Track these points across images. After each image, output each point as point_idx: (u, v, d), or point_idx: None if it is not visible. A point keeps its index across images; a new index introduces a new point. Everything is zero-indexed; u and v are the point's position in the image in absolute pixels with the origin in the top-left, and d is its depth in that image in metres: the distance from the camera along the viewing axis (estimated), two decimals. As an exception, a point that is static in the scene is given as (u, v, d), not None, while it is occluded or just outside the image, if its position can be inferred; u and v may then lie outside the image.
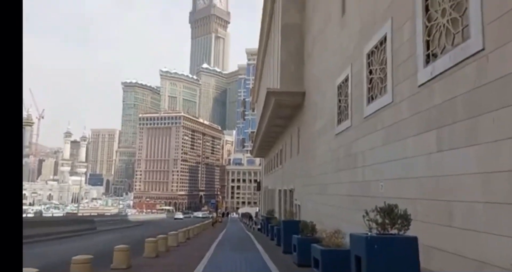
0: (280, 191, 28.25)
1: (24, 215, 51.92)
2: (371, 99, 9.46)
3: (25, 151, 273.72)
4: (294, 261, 7.52)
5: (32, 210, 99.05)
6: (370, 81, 9.59)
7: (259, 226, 24.88)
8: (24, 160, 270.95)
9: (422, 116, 6.70)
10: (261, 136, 33.07)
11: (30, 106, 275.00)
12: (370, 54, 9.63)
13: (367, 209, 9.80)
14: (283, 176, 27.27)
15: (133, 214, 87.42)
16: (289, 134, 24.19)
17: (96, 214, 59.39)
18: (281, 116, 22.76)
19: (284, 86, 20.09)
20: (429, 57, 6.61)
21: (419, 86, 6.84)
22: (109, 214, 71.18)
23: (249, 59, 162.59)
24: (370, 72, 9.64)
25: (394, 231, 4.51)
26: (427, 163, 6.39)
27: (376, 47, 9.22)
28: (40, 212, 63.80)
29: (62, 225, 21.42)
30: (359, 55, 10.40)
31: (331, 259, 4.87)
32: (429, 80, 6.49)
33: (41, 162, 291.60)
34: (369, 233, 4.09)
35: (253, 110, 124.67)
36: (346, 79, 11.70)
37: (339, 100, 12.50)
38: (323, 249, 4.90)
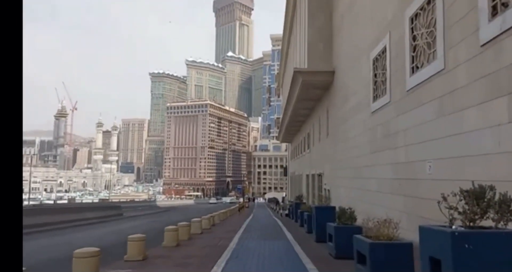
0: (307, 175, 27.31)
1: (57, 202, 53.79)
2: (415, 69, 8.28)
3: (60, 141, 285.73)
4: (331, 252, 6.61)
5: (68, 196, 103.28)
6: (414, 48, 8.39)
7: (286, 212, 24.11)
8: (60, 150, 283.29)
9: (487, 82, 5.55)
10: (288, 120, 32.02)
11: (64, 98, 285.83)
12: (414, 17, 8.40)
13: (409, 193, 8.79)
14: (311, 160, 26.26)
15: (162, 200, 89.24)
16: (317, 117, 23.05)
17: (126, 200, 60.89)
18: (308, 98, 21.61)
19: (312, 65, 18.87)
20: (496, 8, 5.41)
21: (482, 45, 5.67)
22: (139, 200, 72.85)
23: (273, 45, 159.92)
24: (414, 38, 8.43)
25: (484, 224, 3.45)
26: (494, 136, 5.28)
27: (422, 8, 7.99)
28: (73, 199, 66.12)
29: (89, 211, 21.58)
30: (400, 21, 9.16)
31: (385, 255, 3.94)
32: (496, 37, 5.32)
33: (75, 151, 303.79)
34: (454, 227, 3.06)
35: (278, 96, 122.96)
36: (383, 51, 10.50)
37: (375, 75, 11.31)
38: (373, 242, 3.97)
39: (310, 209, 11.06)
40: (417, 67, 8.17)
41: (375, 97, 11.22)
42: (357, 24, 13.64)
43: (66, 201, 53.44)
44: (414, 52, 8.38)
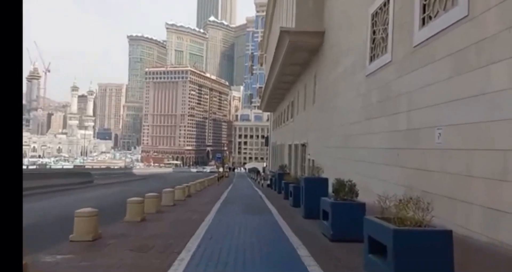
0: (290, 145, 26.44)
1: (28, 167, 51.52)
2: (427, 19, 7.02)
3: (33, 104, 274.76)
4: (325, 233, 5.60)
5: (41, 162, 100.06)
6: (426, -5, 7.08)
7: (268, 182, 23.34)
8: (33, 113, 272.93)
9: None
10: (271, 87, 30.64)
11: (36, 59, 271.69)
12: (429, -43, 7.03)
13: (410, 164, 7.83)
14: (295, 129, 25.27)
15: (139, 168, 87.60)
16: (303, 83, 21.78)
17: (100, 167, 58.98)
18: (294, 62, 20.20)
19: (300, 25, 17.33)
20: None
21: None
22: (116, 167, 71.09)
23: (257, 11, 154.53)
24: (427, -17, 7.10)
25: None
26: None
27: None
28: (44, 164, 63.58)
29: (56, 177, 20.07)
30: (409, -35, 7.77)
31: (417, 246, 2.87)
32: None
33: (49, 115, 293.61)
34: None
35: (261, 65, 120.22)
36: (385, 3, 9.15)
37: (373, 32, 10.01)
38: (399, 229, 2.89)
39: (296, 180, 10.08)
40: (430, 18, 6.91)
41: (373, 58, 9.99)
42: (355, -25, 12.12)
43: (35, 167, 51.16)
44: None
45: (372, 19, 10.05)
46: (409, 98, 7.56)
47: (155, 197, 8.57)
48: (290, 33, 16.96)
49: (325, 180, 7.67)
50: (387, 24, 8.97)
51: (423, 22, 7.14)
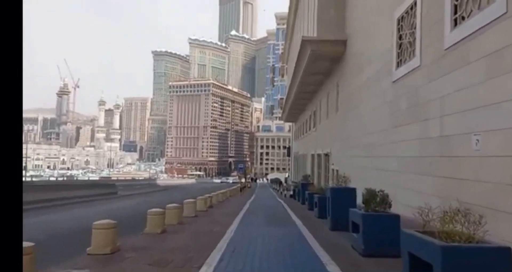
0: (313, 155, 25.95)
1: (57, 179, 53.03)
2: (459, 20, 6.67)
3: (63, 118, 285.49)
4: (355, 246, 5.23)
5: (69, 174, 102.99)
6: (458, -5, 6.74)
7: (291, 192, 22.87)
8: (62, 127, 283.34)
9: None
10: (293, 97, 30.40)
11: (66, 76, 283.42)
12: (459, -44, 6.72)
13: (443, 173, 7.37)
14: (317, 139, 24.83)
15: (163, 179, 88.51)
16: (325, 92, 21.43)
17: (125, 178, 59.97)
18: (316, 72, 19.92)
19: (322, 34, 17.12)
20: None
21: None
22: (141, 178, 72.21)
23: (278, 24, 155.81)
24: (457, -17, 6.77)
25: None
26: None
27: None
28: (72, 176, 65.34)
29: (82, 189, 20.40)
30: (437, -35, 7.47)
31: (472, 266, 2.52)
32: None
33: (78, 129, 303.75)
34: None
35: (282, 76, 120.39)
36: (412, 7, 8.83)
37: (400, 37, 9.67)
38: (450, 246, 2.56)
39: (321, 191, 9.71)
40: (462, 18, 6.55)
41: (399, 63, 9.62)
42: (378, -20, 11.87)
43: (65, 178, 52.63)
44: (457, -1, 6.74)
45: (398, 24, 9.73)
46: (441, 104, 7.16)
47: (176, 208, 8.40)
48: (311, 42, 16.78)
49: (353, 190, 7.29)
50: (415, 28, 8.63)
51: (455, 23, 6.79)
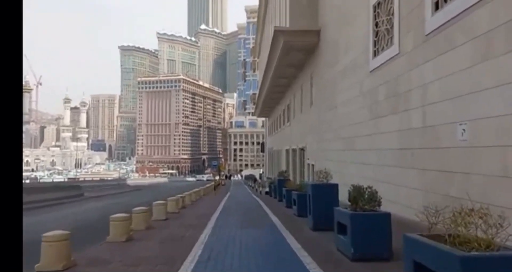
0: (288, 150, 25.62)
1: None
2: (441, 3, 6.29)
3: (25, 117, 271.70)
4: (343, 250, 4.72)
5: (33, 175, 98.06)
6: (439, -23, 6.36)
7: (266, 189, 22.41)
8: (25, 127, 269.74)
9: None
10: (265, 91, 29.92)
11: (27, 73, 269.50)
12: None
13: (427, 165, 7.05)
14: (292, 133, 24.49)
15: (134, 179, 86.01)
16: (299, 85, 21.05)
17: (92, 179, 57.59)
18: (289, 64, 19.47)
19: (295, 24, 16.64)
20: None
21: None
22: (110, 178, 69.71)
23: (248, 18, 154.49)
24: (438, -36, 6.39)
25: None
26: None
27: None
28: (36, 178, 62.03)
29: (44, 192, 19.01)
30: None
31: None
32: None
33: (42, 128, 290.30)
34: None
35: (254, 71, 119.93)
36: (389, -8, 8.45)
37: (376, 25, 9.30)
38: (468, 256, 2.06)
39: (300, 187, 9.22)
40: (445, 1, 6.18)
41: (376, 52, 9.25)
42: (352, -34, 11.45)
43: (27, 181, 49.77)
44: (440, -19, 6.36)
45: (374, 11, 9.35)
46: (423, 92, 6.80)
47: (144, 211, 7.62)
48: (284, 32, 16.26)
49: (335, 186, 6.83)
50: (392, 14, 8.26)
51: (436, 6, 6.42)
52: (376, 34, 9.28)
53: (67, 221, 10.91)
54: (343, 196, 8.58)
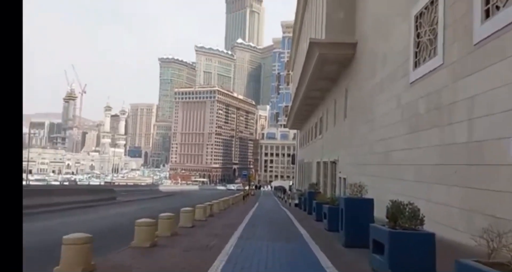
0: (319, 163, 25.09)
1: (61, 183, 52.48)
2: (492, 10, 5.90)
3: (69, 123, 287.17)
4: (378, 269, 4.39)
5: (73, 178, 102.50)
6: (490, -16, 5.98)
7: (296, 201, 21.94)
8: (68, 132, 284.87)
9: None
10: (298, 103, 29.69)
11: (73, 81, 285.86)
12: None
13: (472, 183, 6.53)
14: (324, 146, 23.99)
15: (167, 185, 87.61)
16: (333, 98, 20.68)
17: (126, 183, 59.18)
18: (324, 77, 19.20)
19: (331, 36, 16.43)
20: None
21: None
22: (143, 184, 71.48)
23: (284, 32, 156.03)
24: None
25: None
26: None
27: None
28: (75, 181, 64.81)
29: (83, 194, 19.65)
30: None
31: None
32: None
33: (84, 134, 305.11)
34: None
35: (287, 84, 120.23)
36: (433, 1, 8.10)
37: (417, 35, 8.92)
38: None
39: (332, 201, 8.86)
40: (497, 8, 5.78)
41: (417, 63, 8.85)
42: (393, -23, 11.17)
43: (67, 183, 52.09)
44: (490, -12, 5.97)
45: (416, 21, 8.98)
46: (470, 105, 6.35)
47: (170, 218, 7.56)
48: (320, 44, 16.08)
49: (370, 201, 6.46)
50: (436, 24, 7.88)
51: (487, 15, 6.02)
52: (418, 45, 8.89)
53: (95, 224, 11.08)
54: (377, 212, 8.15)
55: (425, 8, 8.51)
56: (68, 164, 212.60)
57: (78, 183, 57.03)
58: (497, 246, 2.52)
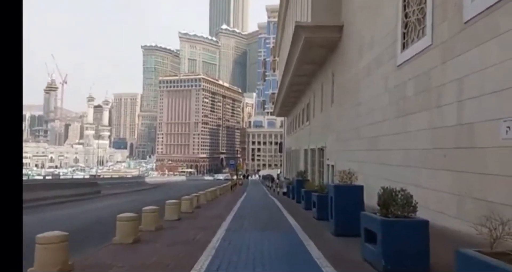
0: (306, 150, 25.00)
1: (44, 177, 51.30)
2: (483, -14, 5.63)
3: (51, 115, 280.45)
4: (372, 262, 4.17)
5: (57, 172, 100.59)
6: (481, -42, 5.70)
7: (284, 190, 21.85)
8: (50, 124, 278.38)
9: None
10: (285, 90, 29.36)
11: (53, 71, 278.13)
12: None
13: (463, 167, 6.37)
14: (311, 133, 23.85)
15: (153, 177, 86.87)
16: (319, 84, 20.42)
17: (111, 176, 58.35)
18: (310, 61, 18.89)
19: (317, 19, 16.04)
20: None
21: None
22: (129, 176, 70.64)
23: (269, 17, 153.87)
24: None
25: None
26: None
27: None
28: (58, 175, 63.58)
29: (66, 188, 19.07)
30: None
31: None
32: None
33: (67, 126, 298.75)
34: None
35: (274, 71, 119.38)
36: (421, -21, 7.80)
37: (405, 15, 8.65)
38: None
39: (320, 188, 8.67)
40: (488, -17, 5.51)
41: (405, 45, 8.60)
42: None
43: (50, 177, 50.98)
44: (481, -38, 5.70)
45: (404, 1, 8.70)
46: (460, 86, 6.15)
47: (154, 211, 7.24)
48: (305, 28, 15.69)
49: (360, 188, 6.26)
50: (424, 3, 7.60)
51: (477, -10, 5.76)
52: (406, 25, 8.63)
53: (76, 219, 10.70)
54: (366, 198, 8.00)
55: (413, -13, 8.22)
56: (51, 158, 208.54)
57: (62, 176, 56.01)
58: (500, 234, 2.29)
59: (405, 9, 8.67)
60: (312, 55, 17.66)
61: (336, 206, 6.21)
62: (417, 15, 8.01)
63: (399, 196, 3.95)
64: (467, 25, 5.97)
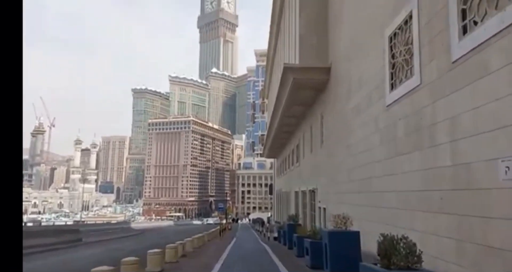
0: (297, 192, 24.41)
1: (25, 224, 48.84)
2: (470, 26, 5.66)
3: (37, 159, 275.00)
4: None
5: (40, 218, 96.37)
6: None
7: (275, 235, 20.93)
8: (36, 168, 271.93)
9: None
10: (274, 131, 29.36)
11: (41, 115, 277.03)
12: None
13: (461, 210, 5.99)
14: (301, 175, 23.44)
15: (140, 222, 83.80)
16: (308, 125, 20.42)
17: (95, 222, 55.99)
18: (299, 102, 19.01)
19: (304, 61, 16.36)
20: None
21: None
22: (114, 222, 67.92)
23: (258, 61, 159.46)
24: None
25: None
26: None
27: None
28: (39, 222, 60.56)
29: (44, 236, 17.86)
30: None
31: None
32: None
33: (53, 170, 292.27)
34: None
35: (263, 113, 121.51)
36: (407, 21, 7.97)
37: (393, 56, 8.73)
38: None
39: (314, 234, 8.13)
40: (475, 23, 5.55)
41: (394, 85, 8.59)
42: (364, 1, 11.20)
43: (31, 224, 48.42)
44: (464, 3, 5.78)
45: (390, 42, 8.83)
46: (453, 125, 5.97)
47: (134, 262, 6.55)
48: (294, 69, 15.93)
49: (356, 234, 5.82)
50: (411, 43, 7.68)
51: (464, 30, 5.79)
52: (393, 66, 8.68)
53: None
54: (362, 244, 7.47)
55: (399, 28, 8.37)
56: (35, 203, 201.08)
57: (44, 223, 53.29)
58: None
59: (391, 50, 8.77)
60: (301, 96, 17.79)
61: (331, 254, 5.71)
62: (404, 55, 8.06)
63: (401, 244, 3.53)
64: (456, 64, 5.93)
